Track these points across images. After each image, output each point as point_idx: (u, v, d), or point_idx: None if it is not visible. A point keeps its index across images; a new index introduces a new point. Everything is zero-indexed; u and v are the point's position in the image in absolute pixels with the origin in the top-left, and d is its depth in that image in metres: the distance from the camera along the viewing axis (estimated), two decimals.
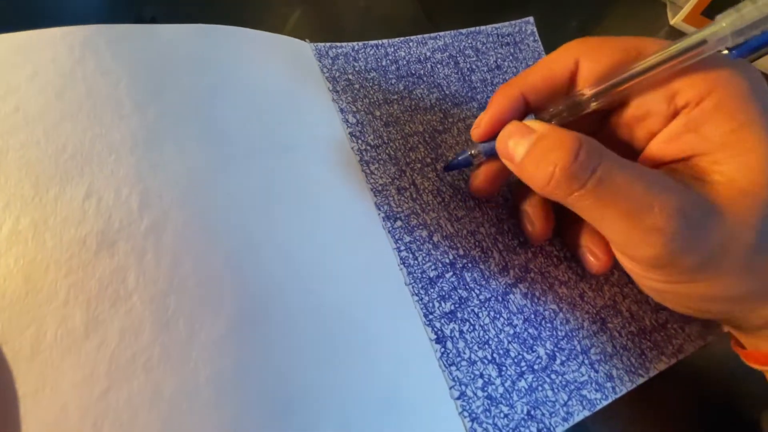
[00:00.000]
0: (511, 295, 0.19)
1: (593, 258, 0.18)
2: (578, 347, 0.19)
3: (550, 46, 0.36)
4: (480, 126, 0.18)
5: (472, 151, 0.19)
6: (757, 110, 0.13)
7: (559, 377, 0.18)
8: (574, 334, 0.19)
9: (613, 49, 0.15)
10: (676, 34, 0.47)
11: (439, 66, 0.26)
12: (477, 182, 0.19)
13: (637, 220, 0.13)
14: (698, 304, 0.16)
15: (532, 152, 0.15)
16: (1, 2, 0.23)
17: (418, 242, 0.20)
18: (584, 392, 0.18)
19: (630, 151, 0.16)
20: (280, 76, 0.22)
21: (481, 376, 0.17)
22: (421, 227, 0.20)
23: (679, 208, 0.13)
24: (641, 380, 0.19)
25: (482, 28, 0.29)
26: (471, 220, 0.21)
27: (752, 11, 0.13)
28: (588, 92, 0.15)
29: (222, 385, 0.13)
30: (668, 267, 0.14)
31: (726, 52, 0.13)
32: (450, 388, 0.16)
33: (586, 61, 0.16)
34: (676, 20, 0.47)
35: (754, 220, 0.13)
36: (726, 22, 0.13)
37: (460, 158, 0.20)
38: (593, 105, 0.16)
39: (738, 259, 0.13)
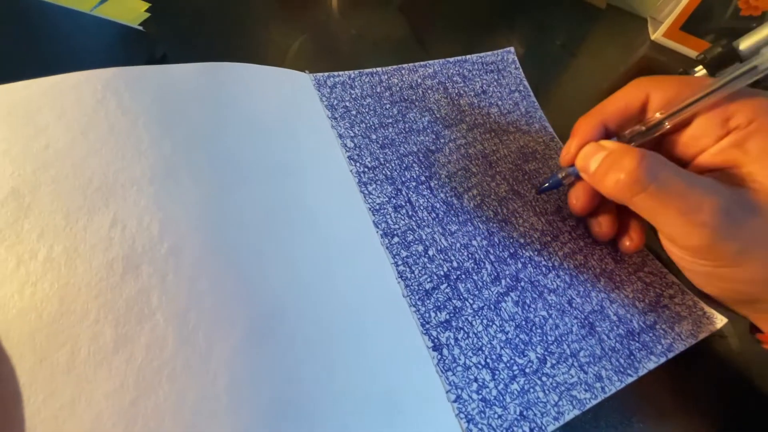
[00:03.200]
0: (503, 304, 0.21)
1: (629, 241, 0.23)
2: (568, 351, 0.20)
3: (536, 66, 0.38)
4: (570, 152, 0.21)
5: (561, 174, 0.23)
6: None
7: (550, 379, 0.19)
8: (563, 338, 0.20)
9: (678, 82, 0.19)
10: (658, 48, 0.50)
11: (429, 91, 0.28)
12: (572, 201, 0.23)
13: (690, 216, 0.17)
14: (735, 286, 0.18)
15: (604, 163, 0.19)
16: (26, 49, 0.25)
17: (414, 256, 0.21)
18: (574, 393, 0.19)
19: (680, 163, 0.19)
20: (283, 106, 0.24)
21: (476, 380, 0.18)
22: (416, 242, 0.22)
23: (722, 207, 0.16)
24: (630, 379, 0.20)
25: (468, 57, 0.31)
26: (464, 234, 0.23)
27: None
28: (661, 116, 0.19)
29: (238, 391, 0.15)
30: (713, 254, 0.17)
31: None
32: (447, 392, 0.18)
33: (656, 92, 0.19)
34: (656, 35, 0.50)
35: None
36: None
37: (551, 181, 0.23)
38: (667, 125, 0.19)
39: None
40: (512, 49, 0.33)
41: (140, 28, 0.27)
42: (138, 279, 0.16)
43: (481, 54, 0.31)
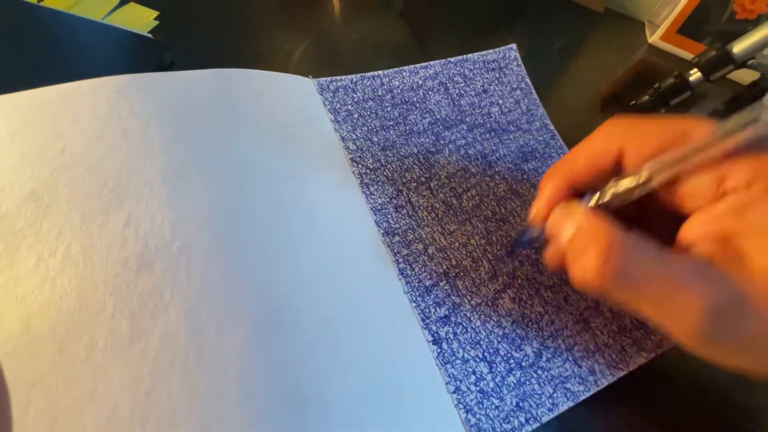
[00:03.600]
0: (500, 300, 0.21)
1: None
2: (563, 345, 0.21)
3: (535, 69, 0.39)
4: (538, 214, 0.19)
5: (534, 234, 0.20)
6: None
7: (545, 372, 0.20)
8: (558, 333, 0.21)
9: (659, 133, 0.16)
10: (655, 52, 0.50)
11: (430, 93, 0.29)
12: (548, 260, 0.18)
13: (669, 313, 0.14)
14: (747, 365, 0.15)
15: (571, 245, 0.16)
16: (42, 57, 0.26)
17: (414, 255, 0.22)
18: (568, 385, 0.19)
19: (672, 222, 0.16)
20: (288, 110, 0.25)
21: (474, 372, 0.19)
22: (417, 241, 0.22)
23: (709, 305, 0.13)
24: (621, 373, 0.20)
25: (469, 56, 0.32)
26: (462, 233, 0.23)
27: None
28: (643, 177, 0.16)
29: (248, 383, 0.15)
30: (701, 351, 0.14)
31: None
32: (446, 384, 0.18)
33: (632, 145, 0.16)
34: (653, 38, 0.50)
35: None
36: None
37: (523, 239, 0.21)
38: (653, 184, 0.16)
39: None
40: (514, 46, 0.33)
41: (149, 35, 0.28)
42: (151, 275, 0.16)
43: (483, 52, 0.32)
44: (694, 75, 0.35)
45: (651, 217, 0.17)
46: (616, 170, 0.17)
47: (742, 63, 0.34)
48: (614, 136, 0.17)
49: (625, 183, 0.16)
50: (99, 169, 0.19)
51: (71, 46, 0.27)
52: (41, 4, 0.27)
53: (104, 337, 0.15)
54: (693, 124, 0.15)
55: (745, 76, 0.49)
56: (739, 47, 0.33)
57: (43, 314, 0.15)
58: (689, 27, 0.48)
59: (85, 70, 0.22)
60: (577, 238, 0.15)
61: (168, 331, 0.16)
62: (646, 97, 0.37)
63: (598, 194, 0.17)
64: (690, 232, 0.15)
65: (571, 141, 0.32)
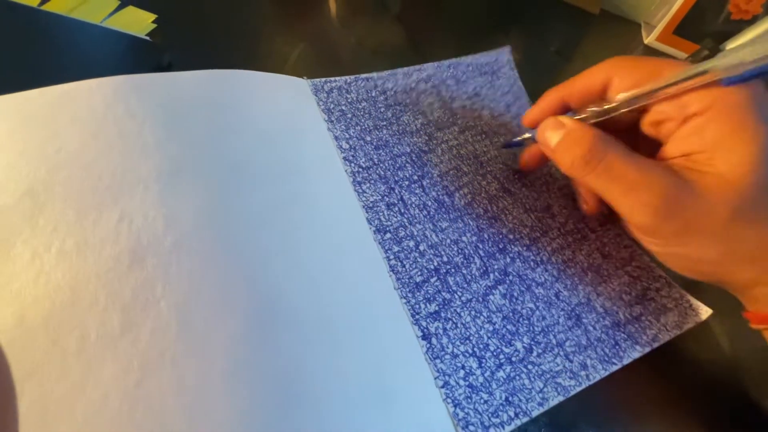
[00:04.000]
0: (491, 296, 0.22)
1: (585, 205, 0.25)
2: (554, 341, 0.21)
3: (530, 71, 0.39)
4: (531, 117, 0.23)
5: (525, 135, 0.25)
6: (750, 118, 0.17)
7: (536, 367, 0.20)
8: (550, 329, 0.21)
9: (640, 69, 0.19)
10: (651, 52, 0.51)
11: (423, 95, 0.29)
12: (524, 159, 0.25)
13: (634, 196, 0.18)
14: (690, 265, 0.20)
15: (561, 143, 0.20)
16: (41, 59, 0.26)
17: (405, 251, 0.22)
18: (559, 380, 0.19)
19: (654, 146, 0.20)
20: (282, 110, 0.25)
21: (463, 367, 0.19)
22: (408, 238, 0.23)
23: (664, 189, 0.17)
24: (615, 368, 0.20)
25: (462, 59, 0.32)
26: (454, 230, 0.24)
27: (747, 54, 0.17)
28: (619, 100, 0.20)
29: (235, 376, 0.16)
30: (658, 232, 0.18)
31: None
32: (435, 379, 0.18)
33: (618, 77, 0.20)
34: (649, 39, 0.51)
35: (729, 199, 0.17)
36: (722, 63, 0.17)
37: (515, 140, 0.26)
38: (622, 110, 0.20)
39: (713, 228, 0.17)
40: (509, 47, 0.34)
41: (147, 38, 0.29)
42: (143, 270, 0.17)
43: (476, 55, 0.32)
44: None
45: (640, 150, 0.20)
46: (603, 97, 0.21)
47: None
48: (606, 69, 0.20)
49: (603, 105, 0.20)
50: (94, 167, 0.19)
51: (71, 49, 0.27)
52: (42, 8, 0.28)
53: (96, 329, 0.15)
54: (668, 65, 0.18)
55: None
56: (731, 47, 0.33)
57: (37, 307, 0.16)
58: (685, 28, 0.48)
59: (84, 73, 0.23)
60: (568, 136, 0.20)
61: (158, 324, 0.16)
62: None
63: (579, 112, 0.22)
64: (664, 155, 0.19)
65: None
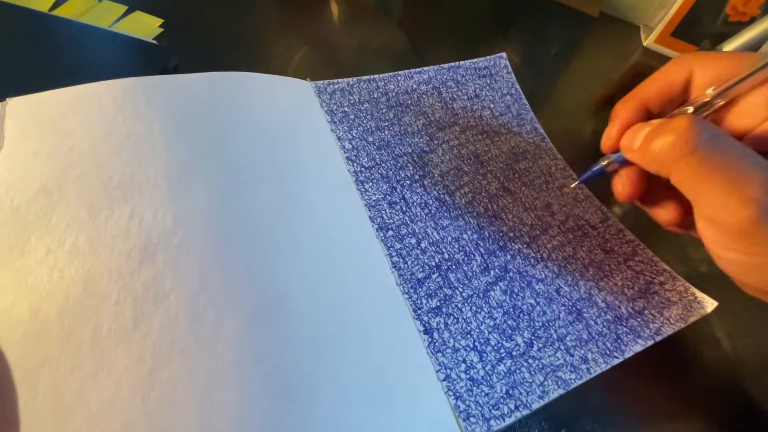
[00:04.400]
0: (492, 292, 0.22)
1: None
2: (554, 335, 0.21)
3: (531, 74, 0.40)
4: (611, 137, 0.20)
5: (604, 162, 0.21)
6: None
7: (536, 361, 0.20)
8: (550, 324, 0.21)
9: (723, 60, 0.18)
10: (650, 54, 0.51)
11: (424, 96, 0.30)
12: (618, 188, 0.20)
13: (736, 188, 0.15)
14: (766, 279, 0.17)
15: (650, 133, 0.17)
16: (53, 62, 0.27)
17: (407, 248, 0.22)
18: (560, 374, 0.20)
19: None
20: (286, 111, 0.26)
21: (464, 361, 0.19)
22: (410, 235, 0.23)
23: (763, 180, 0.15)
24: (616, 361, 0.21)
25: (462, 63, 0.33)
26: (455, 228, 0.24)
27: None
28: (713, 92, 0.17)
29: (243, 367, 0.16)
30: (754, 237, 0.15)
31: None
32: (437, 372, 0.19)
33: (701, 69, 0.18)
34: (648, 41, 0.51)
35: None
36: None
37: (594, 169, 0.21)
38: (720, 102, 0.17)
39: None
40: (504, 54, 0.34)
41: (154, 42, 0.30)
42: (154, 265, 0.17)
43: (474, 60, 0.33)
44: None
45: None
46: (685, 94, 0.19)
47: None
48: (684, 62, 0.18)
49: (696, 102, 0.18)
50: (105, 166, 0.20)
51: (80, 52, 0.28)
52: (53, 13, 0.29)
53: (108, 322, 0.16)
54: (746, 55, 0.17)
55: None
56: (728, 48, 0.34)
57: (51, 301, 0.16)
58: (683, 30, 0.49)
59: (93, 75, 0.23)
60: (658, 127, 0.17)
61: (168, 317, 0.16)
62: None
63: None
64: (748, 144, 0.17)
65: (570, 143, 0.33)
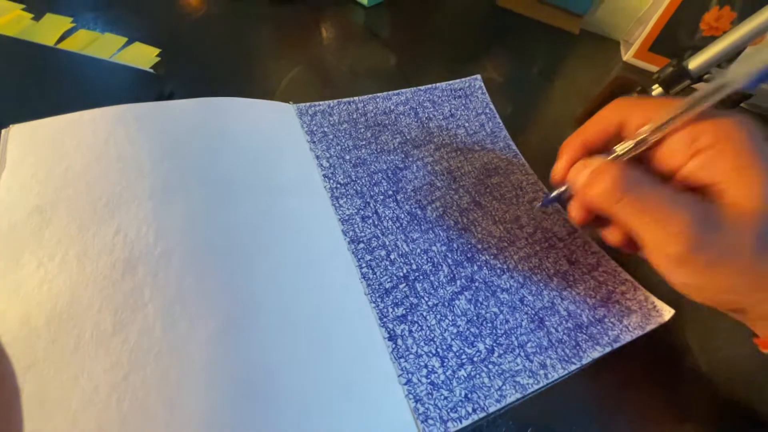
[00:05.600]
0: (457, 301, 0.23)
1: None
2: (515, 342, 0.22)
3: (514, 93, 0.41)
4: (558, 171, 0.23)
5: (562, 189, 0.23)
6: (753, 155, 0.18)
7: (496, 367, 0.21)
8: (512, 331, 0.22)
9: (653, 104, 0.20)
10: (629, 68, 0.52)
11: (401, 116, 0.32)
12: (572, 214, 0.23)
13: (664, 226, 0.18)
14: (716, 296, 0.19)
15: (589, 177, 0.20)
16: (54, 91, 0.29)
17: (377, 260, 0.24)
18: (518, 379, 0.21)
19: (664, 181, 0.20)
20: (267, 132, 0.27)
21: (426, 366, 0.20)
22: (380, 248, 0.24)
23: (695, 219, 0.18)
24: (573, 368, 0.22)
25: (438, 84, 0.34)
26: (425, 240, 0.25)
27: (756, 62, 0.18)
28: (644, 132, 0.20)
29: (213, 372, 0.17)
30: (689, 264, 0.18)
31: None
32: (399, 376, 0.20)
33: (633, 114, 0.21)
34: (627, 56, 0.53)
35: (753, 231, 0.17)
36: (737, 73, 0.18)
37: (551, 196, 0.24)
38: (650, 140, 0.20)
39: (742, 259, 0.18)
40: (479, 76, 0.36)
41: (151, 70, 0.32)
42: (135, 277, 0.19)
43: (450, 82, 0.35)
44: (656, 90, 0.37)
45: None
46: (619, 136, 0.21)
47: (698, 78, 0.36)
48: (619, 108, 0.21)
49: (628, 143, 0.21)
50: (96, 186, 0.22)
51: (82, 82, 0.30)
52: (57, 46, 0.31)
53: (90, 329, 0.17)
54: (673, 100, 0.19)
55: None
56: (694, 63, 0.35)
57: (40, 310, 0.18)
58: (660, 44, 0.50)
59: (93, 103, 0.25)
60: (596, 170, 0.20)
61: (146, 325, 0.18)
62: None
63: (605, 154, 0.22)
64: (676, 185, 0.19)
65: (554, 158, 0.34)
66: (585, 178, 0.20)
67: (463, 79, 0.35)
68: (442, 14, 0.54)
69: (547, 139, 0.38)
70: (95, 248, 0.20)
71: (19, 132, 0.23)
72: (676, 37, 0.48)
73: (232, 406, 0.17)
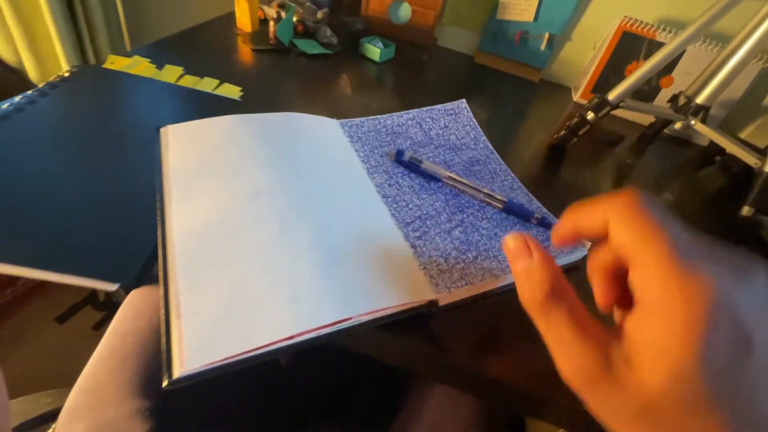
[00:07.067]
0: (453, 232, 0.35)
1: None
2: (491, 254, 0.34)
3: (495, 128, 0.55)
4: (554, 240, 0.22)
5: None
6: (687, 331, 0.15)
7: (479, 264, 0.33)
8: (489, 250, 0.35)
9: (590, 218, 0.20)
10: (578, 106, 0.69)
11: (410, 127, 0.46)
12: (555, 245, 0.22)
13: (562, 357, 0.18)
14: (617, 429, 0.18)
15: (524, 277, 0.20)
16: (180, 112, 0.44)
17: (400, 207, 0.36)
18: (492, 270, 0.33)
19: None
20: (325, 134, 0.41)
21: (435, 261, 0.32)
22: (401, 201, 0.37)
23: (587, 366, 0.17)
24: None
25: (435, 106, 0.49)
26: (431, 199, 0.38)
27: None
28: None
29: (308, 244, 0.29)
30: (579, 392, 0.18)
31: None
32: (418, 265, 0.32)
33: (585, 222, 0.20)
34: (576, 97, 0.70)
35: (639, 406, 0.16)
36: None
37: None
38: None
39: (617, 421, 0.17)
40: (464, 100, 0.51)
41: (239, 99, 0.47)
42: (256, 200, 0.31)
43: (444, 104, 0.50)
44: (590, 115, 0.52)
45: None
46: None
47: (616, 105, 0.51)
48: (571, 218, 0.21)
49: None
50: (224, 158, 0.35)
51: (200, 105, 0.45)
52: (177, 83, 0.46)
53: (238, 223, 0.30)
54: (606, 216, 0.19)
55: (643, 119, 0.67)
56: (612, 95, 0.51)
57: (209, 216, 0.30)
58: (598, 87, 0.67)
59: (211, 115, 0.39)
60: (531, 274, 0.20)
61: (265, 222, 0.30)
62: (563, 132, 0.54)
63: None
64: (624, 324, 0.18)
65: (527, 174, 0.45)
66: (520, 269, 0.20)
67: (453, 102, 0.50)
68: (435, 69, 0.71)
69: (521, 154, 0.52)
70: (230, 188, 0.32)
71: (173, 129, 0.37)
72: (608, 82, 0.65)
73: (318, 261, 0.29)
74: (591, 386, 0.18)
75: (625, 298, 0.21)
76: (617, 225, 0.18)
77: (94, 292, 1.22)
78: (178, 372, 0.22)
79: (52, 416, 0.47)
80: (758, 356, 0.15)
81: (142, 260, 0.28)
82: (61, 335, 1.10)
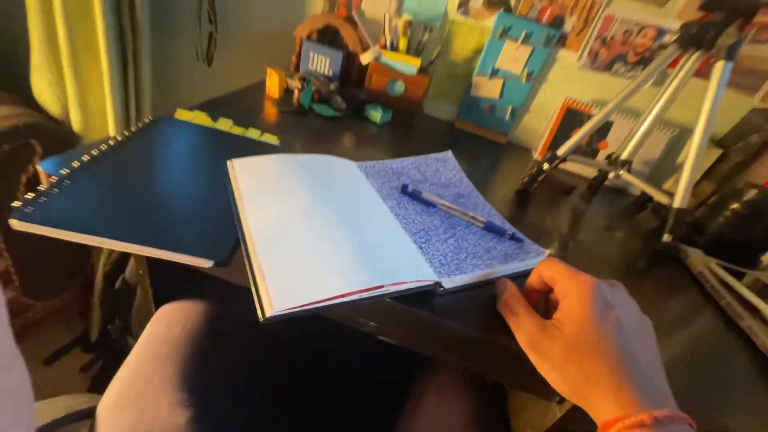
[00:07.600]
0: (448, 240, 0.47)
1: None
2: (480, 254, 0.46)
3: (476, 175, 0.70)
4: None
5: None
6: (588, 311, 0.31)
7: (470, 263, 0.45)
8: (476, 252, 0.46)
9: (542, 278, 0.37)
10: (538, 162, 0.85)
11: (409, 170, 0.60)
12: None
13: (518, 330, 0.35)
14: (559, 387, 0.32)
15: (503, 297, 0.38)
16: (218, 151, 0.56)
17: (408, 221, 0.48)
18: (479, 267, 0.44)
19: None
20: (347, 169, 0.54)
21: (437, 258, 0.44)
22: (408, 218, 0.49)
23: (531, 332, 0.33)
24: (511, 265, 0.45)
25: (429, 155, 0.64)
26: (430, 218, 0.51)
27: None
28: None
29: (340, 234, 0.41)
30: (529, 356, 0.34)
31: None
32: (425, 261, 0.43)
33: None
34: (536, 155, 0.86)
35: (564, 345, 0.31)
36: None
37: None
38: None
39: (555, 361, 0.31)
40: (450, 151, 0.66)
41: (278, 144, 0.60)
42: (308, 215, 0.43)
43: (435, 153, 0.65)
44: (545, 165, 0.68)
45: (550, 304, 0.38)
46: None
47: (563, 158, 0.67)
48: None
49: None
50: (280, 184, 0.47)
51: (252, 149, 0.57)
52: (230, 131, 0.59)
53: (295, 223, 0.41)
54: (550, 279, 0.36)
55: (589, 172, 0.84)
56: (560, 150, 0.67)
57: (276, 219, 0.41)
58: (552, 147, 0.84)
59: (264, 153, 0.52)
60: (507, 295, 0.38)
61: (318, 227, 0.41)
62: (526, 178, 0.69)
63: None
64: (555, 313, 0.34)
65: (496, 209, 0.62)
66: (503, 289, 0.39)
67: (442, 152, 0.65)
68: (423, 131, 0.88)
69: (493, 197, 0.67)
70: (284, 205, 0.44)
71: (237, 162, 0.49)
72: (559, 144, 0.82)
73: (354, 248, 0.40)
74: (537, 345, 0.32)
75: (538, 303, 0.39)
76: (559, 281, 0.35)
77: (85, 332, 1.22)
78: (269, 312, 0.32)
79: (88, 413, 0.51)
80: (617, 315, 0.31)
81: (228, 248, 0.38)
82: (48, 377, 1.09)
